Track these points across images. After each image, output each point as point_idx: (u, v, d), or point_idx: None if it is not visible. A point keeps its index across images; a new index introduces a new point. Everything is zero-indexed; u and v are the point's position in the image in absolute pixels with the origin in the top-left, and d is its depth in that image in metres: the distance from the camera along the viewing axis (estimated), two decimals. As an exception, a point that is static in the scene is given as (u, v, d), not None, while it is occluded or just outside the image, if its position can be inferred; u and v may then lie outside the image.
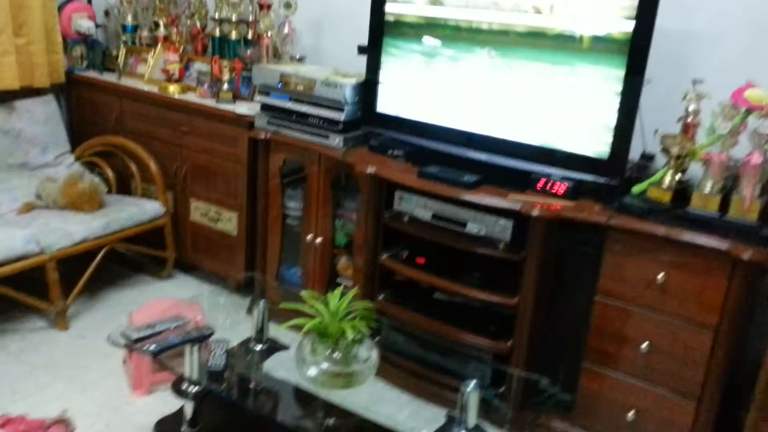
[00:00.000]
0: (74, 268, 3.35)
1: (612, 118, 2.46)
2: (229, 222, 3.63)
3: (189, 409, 2.44)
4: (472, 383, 2.19)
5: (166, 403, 2.65)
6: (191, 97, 3.62)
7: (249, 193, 3.53)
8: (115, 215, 3.47)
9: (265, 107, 3.30)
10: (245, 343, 2.60)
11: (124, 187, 3.91)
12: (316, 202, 3.22)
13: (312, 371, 2.15)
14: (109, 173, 3.89)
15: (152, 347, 2.24)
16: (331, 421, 2.31)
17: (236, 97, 3.56)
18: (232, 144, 3.49)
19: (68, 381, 2.87)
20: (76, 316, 3.38)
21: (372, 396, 2.55)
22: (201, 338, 2.31)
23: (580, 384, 2.58)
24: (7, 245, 3.01)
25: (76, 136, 4.05)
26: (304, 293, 2.21)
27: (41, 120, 3.80)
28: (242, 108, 3.40)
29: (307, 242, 3.29)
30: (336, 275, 3.33)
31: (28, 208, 3.44)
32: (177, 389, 2.41)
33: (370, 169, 2.88)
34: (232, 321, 3.23)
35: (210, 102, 3.53)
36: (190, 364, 2.33)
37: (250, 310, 3.52)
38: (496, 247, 2.65)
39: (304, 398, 2.38)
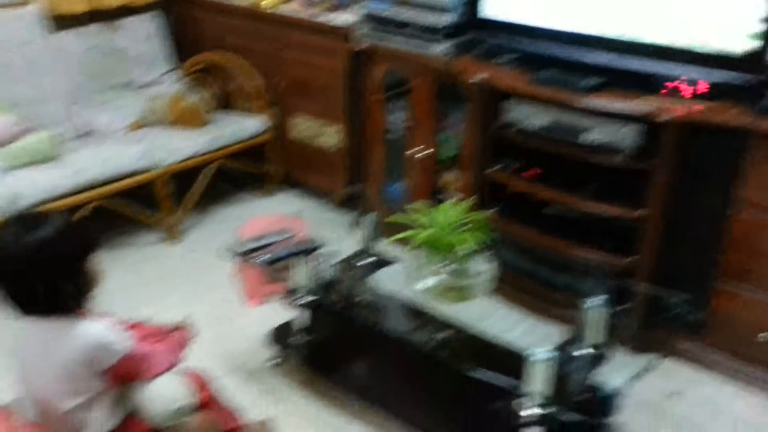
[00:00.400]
0: (182, 185, 3.41)
1: (755, 5, 2.16)
2: (330, 136, 3.57)
3: (300, 320, 2.45)
4: (598, 299, 2.07)
5: (277, 313, 2.68)
6: (289, 10, 3.52)
7: (350, 107, 3.44)
8: (220, 132, 3.49)
9: (365, 16, 3.15)
10: (352, 257, 2.56)
11: (227, 103, 3.91)
12: (419, 115, 3.10)
13: (424, 284, 2.10)
14: (212, 90, 3.89)
15: (262, 259, 2.24)
16: (440, 335, 2.26)
17: (334, 7, 3.43)
18: (331, 56, 3.38)
19: (182, 293, 2.97)
20: (188, 231, 3.47)
21: (483, 312, 2.48)
22: (309, 251, 2.29)
23: (712, 302, 2.40)
24: (120, 161, 3.08)
25: (179, 53, 4.05)
26: (415, 204, 2.13)
27: (144, 38, 3.82)
28: (341, 18, 3.27)
29: (410, 157, 3.19)
30: (440, 190, 3.23)
31: (137, 126, 3.50)
32: (288, 301, 2.42)
33: (478, 77, 2.71)
34: (335, 237, 3.21)
35: (308, 13, 3.42)
36: (300, 275, 2.33)
37: (353, 226, 3.51)
38: (617, 156, 2.45)
39: (412, 312, 2.33)
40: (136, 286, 2.99)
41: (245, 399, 2.35)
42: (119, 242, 3.34)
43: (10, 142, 2.93)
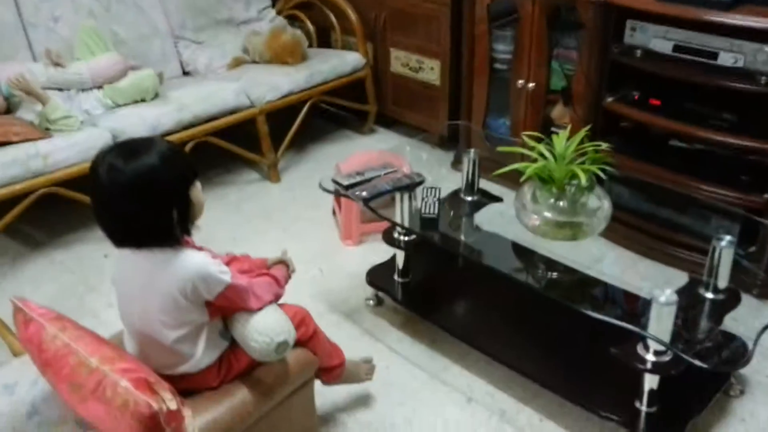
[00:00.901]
0: (281, 124, 3.37)
1: None
2: (431, 71, 3.40)
3: (400, 258, 2.36)
4: (726, 239, 1.86)
5: (376, 252, 2.61)
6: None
7: (453, 38, 3.26)
8: (318, 67, 3.40)
9: (470, -64, 2.94)
10: (454, 195, 2.43)
11: (324, 39, 3.81)
12: (529, 43, 2.87)
13: (533, 219, 1.94)
14: (310, 25, 3.80)
15: (363, 193, 2.15)
16: (550, 275, 2.11)
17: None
18: (434, -15, 3.20)
19: (282, 229, 2.95)
20: (286, 170, 3.44)
21: (596, 252, 2.31)
22: (412, 186, 2.17)
23: None
24: (221, 98, 3.06)
25: (276, -11, 3.98)
26: (524, 135, 1.96)
27: (242, -26, 3.75)
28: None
29: (517, 88, 2.98)
30: (550, 124, 3.02)
31: (237, 62, 3.47)
32: (388, 238, 2.34)
33: (597, -4, 2.45)
34: (436, 175, 3.09)
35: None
36: (401, 211, 2.22)
37: (454, 164, 3.36)
38: (757, 81, 2.17)
39: (519, 251, 2.19)
40: (237, 224, 3.00)
41: (343, 337, 2.30)
42: (219, 180, 3.35)
43: (117, 80, 2.95)
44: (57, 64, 2.88)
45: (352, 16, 3.52)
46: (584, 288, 2.06)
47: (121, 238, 1.47)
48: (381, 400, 2.09)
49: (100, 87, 2.94)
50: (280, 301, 1.76)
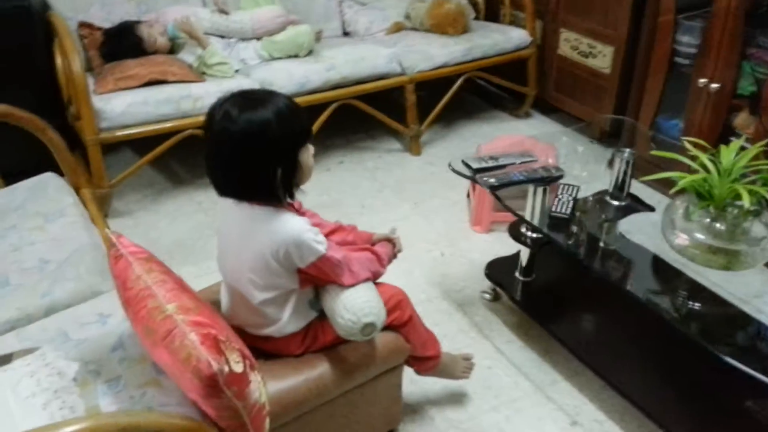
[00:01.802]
0: (432, 95, 3.25)
1: None
2: (602, 57, 3.11)
3: (525, 255, 2.18)
4: None
5: (504, 244, 2.43)
6: None
7: (632, 25, 2.94)
8: (478, 41, 3.22)
9: None
10: (599, 196, 2.19)
11: (493, 12, 3.62)
12: (719, 38, 2.51)
13: (681, 239, 1.68)
14: (479, -4, 3.62)
15: (492, 180, 1.98)
16: (694, 305, 1.83)
17: None
18: (619, -39, 2.90)
19: (413, 204, 2.84)
20: (429, 143, 3.32)
21: (757, 287, 1.98)
22: (548, 179, 1.97)
23: None
24: (371, 62, 2.99)
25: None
26: (686, 140, 1.69)
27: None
28: None
29: (698, 87, 2.63)
30: (730, 133, 2.64)
31: (397, 28, 3.38)
32: (514, 232, 2.16)
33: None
34: (588, 172, 2.82)
35: None
36: (531, 206, 2.03)
37: (611, 163, 3.06)
38: None
39: (662, 271, 1.92)
40: (368, 191, 2.94)
41: (451, 328, 2.19)
42: (359, 144, 3.31)
43: (275, 33, 2.98)
44: (222, 11, 2.96)
45: (526, -11, 3.29)
46: (731, 326, 1.77)
47: (223, 187, 1.44)
48: (475, 402, 1.95)
49: (259, 38, 2.98)
50: (381, 280, 1.67)
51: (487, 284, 2.30)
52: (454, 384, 1.96)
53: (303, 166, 1.46)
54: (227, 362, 1.18)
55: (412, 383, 1.96)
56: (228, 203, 1.48)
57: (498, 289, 2.28)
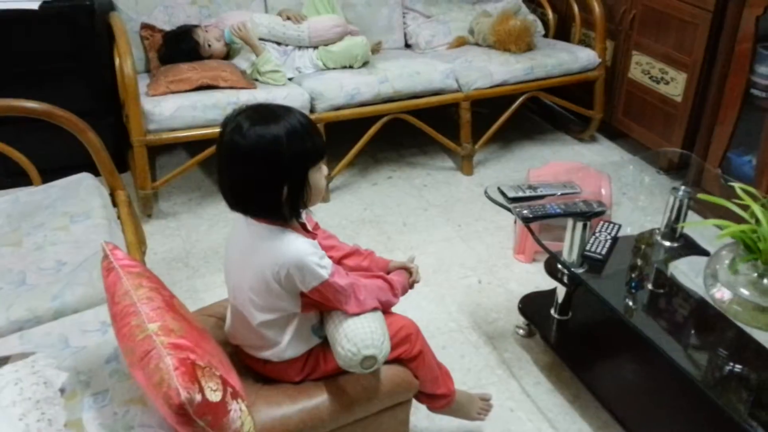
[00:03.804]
0: (495, 112, 3.13)
1: None
2: (674, 84, 2.92)
3: (561, 293, 2.05)
4: None
5: (546, 276, 2.30)
6: None
7: (708, 51, 2.74)
8: (542, 60, 3.09)
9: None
10: (648, 235, 2.03)
11: (564, 30, 3.47)
12: (800, 69, 2.30)
13: (723, 294, 1.52)
14: (550, 13, 3.48)
15: (526, 211, 1.86)
16: (735, 367, 1.64)
17: None
18: (698, -18, 2.71)
19: (457, 227, 2.74)
20: (483, 163, 3.21)
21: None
22: (586, 215, 1.83)
23: None
24: (427, 77, 2.91)
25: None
26: (737, 186, 1.53)
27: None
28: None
29: (773, 123, 2.42)
30: (807, 175, 2.42)
31: (459, 42, 3.29)
32: (549, 268, 2.03)
33: None
34: (647, 205, 2.65)
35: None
36: (570, 242, 1.90)
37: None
38: None
39: (712, 322, 1.75)
40: (413, 209, 2.86)
41: (478, 362, 2.09)
42: (410, 160, 3.23)
43: (330, 43, 2.94)
44: (289, 18, 2.94)
45: (597, 8, 3.13)
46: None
47: (231, 201, 1.40)
48: (492, 446, 1.84)
49: (316, 47, 2.96)
50: (398, 309, 1.59)
51: (522, 319, 2.18)
52: (472, 425, 1.85)
53: (312, 187, 1.39)
54: (201, 390, 1.14)
55: (428, 419, 1.87)
56: (238, 217, 1.44)
57: (531, 326, 2.15)
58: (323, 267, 1.39)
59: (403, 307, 1.68)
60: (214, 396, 1.17)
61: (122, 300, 1.25)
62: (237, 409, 1.24)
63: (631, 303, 1.77)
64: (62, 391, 1.34)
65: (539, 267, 2.49)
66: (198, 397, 1.12)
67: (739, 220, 1.54)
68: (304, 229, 1.48)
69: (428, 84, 2.91)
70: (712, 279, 1.55)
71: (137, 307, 1.22)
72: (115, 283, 1.28)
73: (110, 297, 1.29)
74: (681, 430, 1.75)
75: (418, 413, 1.83)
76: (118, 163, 2.88)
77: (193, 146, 2.85)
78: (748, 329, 1.59)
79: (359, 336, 1.43)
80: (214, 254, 2.54)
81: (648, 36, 3.02)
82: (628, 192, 2.74)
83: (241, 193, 1.38)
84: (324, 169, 1.43)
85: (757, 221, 1.46)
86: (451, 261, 2.52)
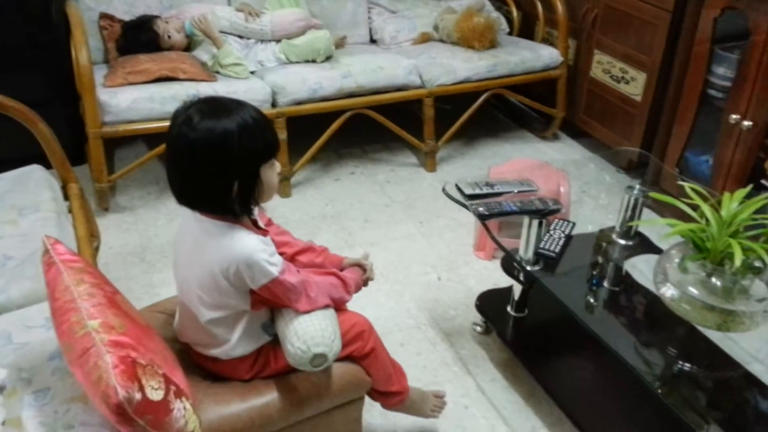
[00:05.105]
0: (459, 109, 3.13)
1: None
2: (634, 84, 2.95)
3: (517, 290, 2.05)
4: None
5: (504, 274, 2.31)
6: None
7: (666, 51, 2.78)
8: (505, 57, 3.10)
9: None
10: (605, 233, 2.05)
11: (528, 28, 3.49)
12: (755, 73, 2.34)
13: (672, 292, 1.54)
14: (515, 11, 3.49)
15: (482, 209, 1.86)
16: (684, 366, 1.66)
17: None
18: (659, -17, 2.74)
19: (418, 223, 2.74)
20: (446, 160, 3.21)
21: (754, 348, 1.81)
22: (541, 213, 1.84)
23: None
24: (390, 73, 2.91)
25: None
26: (686, 186, 1.55)
27: (458, -54, 3.53)
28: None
29: (730, 123, 2.46)
30: (762, 175, 2.46)
31: (424, 38, 3.29)
32: (506, 266, 2.04)
33: None
34: (606, 203, 2.68)
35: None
36: (526, 240, 1.90)
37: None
38: None
39: (659, 318, 1.77)
40: (374, 205, 2.85)
41: (434, 359, 2.09)
42: (373, 156, 3.22)
43: (293, 37, 2.92)
44: (250, 14, 2.90)
45: (559, 7, 3.15)
46: (724, 392, 1.62)
47: (178, 196, 1.38)
48: (446, 443, 1.84)
49: (278, 41, 2.93)
50: (353, 306, 1.58)
51: (480, 316, 2.18)
52: (426, 422, 1.85)
53: (264, 183, 1.37)
54: (141, 389, 1.11)
55: (381, 416, 1.86)
56: (187, 213, 1.42)
57: (487, 323, 2.15)
58: (273, 264, 1.37)
59: (361, 303, 1.67)
60: (155, 395, 1.15)
61: (62, 296, 1.22)
62: (180, 408, 1.22)
63: (583, 301, 1.78)
64: (1, 388, 1.31)
65: (498, 264, 2.50)
66: (137, 396, 1.10)
67: (694, 219, 1.55)
68: (255, 226, 1.46)
69: (391, 80, 2.90)
70: (662, 277, 1.56)
71: (77, 303, 1.19)
72: (55, 279, 1.25)
73: (51, 293, 1.26)
74: (632, 428, 1.77)
75: (372, 410, 1.82)
76: (78, 155, 2.84)
77: (153, 139, 2.81)
78: (699, 328, 1.61)
79: (309, 333, 1.41)
80: (171, 248, 2.49)
81: (609, 35, 3.05)
82: (589, 190, 2.77)
83: (190, 188, 1.36)
84: (277, 165, 1.41)
85: (707, 221, 1.47)
86: (411, 258, 2.52)
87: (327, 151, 3.07)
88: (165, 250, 2.49)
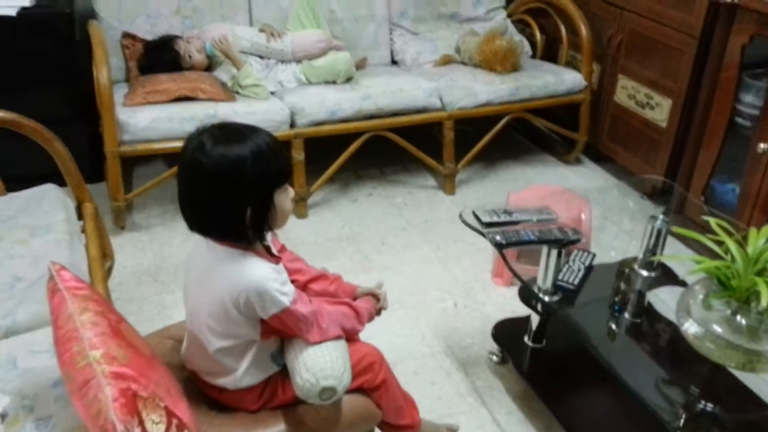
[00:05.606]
0: (480, 132, 3.09)
1: None
2: (660, 110, 2.89)
3: (535, 320, 2.00)
4: None
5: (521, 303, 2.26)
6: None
7: (693, 78, 2.72)
8: (527, 81, 3.06)
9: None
10: (627, 263, 1.99)
11: (552, 52, 3.45)
12: (784, 99, 2.28)
13: (694, 328, 1.47)
14: (538, 35, 3.45)
15: (499, 237, 1.82)
16: (707, 406, 1.59)
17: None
18: (685, 8, 2.69)
19: (436, 247, 2.70)
20: (465, 183, 3.17)
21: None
22: (560, 242, 1.79)
23: None
24: (410, 95, 2.88)
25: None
26: (711, 220, 1.49)
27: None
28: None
29: (757, 153, 2.39)
30: (789, 206, 2.39)
31: (445, 60, 3.26)
32: (523, 295, 1.99)
33: None
34: (629, 230, 2.62)
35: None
36: (544, 269, 1.86)
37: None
38: None
39: (682, 354, 1.70)
40: (391, 228, 2.81)
41: (449, 389, 2.04)
42: (392, 178, 3.19)
43: (314, 58, 2.91)
44: (272, 34, 2.90)
45: (584, 31, 3.11)
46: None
47: (190, 222, 1.35)
48: (458, 479, 1.78)
49: (299, 61, 2.92)
50: (365, 337, 1.54)
51: (496, 345, 2.13)
52: (437, 455, 1.80)
53: (278, 209, 1.34)
54: (141, 423, 1.08)
55: (393, 447, 1.81)
56: (199, 238, 1.39)
57: (504, 353, 2.10)
58: (284, 294, 1.34)
59: (375, 329, 1.63)
60: (156, 429, 1.12)
61: (65, 324, 1.20)
62: (184, 442, 1.19)
63: (603, 334, 1.72)
64: (3, 416, 1.29)
65: (517, 291, 2.45)
66: (137, 431, 1.07)
67: (719, 254, 1.50)
68: (268, 252, 1.43)
69: (411, 102, 2.87)
70: (685, 314, 1.50)
71: (80, 332, 1.17)
72: (59, 306, 1.23)
73: (54, 320, 1.24)
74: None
75: (383, 443, 1.77)
76: (98, 173, 2.85)
77: (172, 157, 2.80)
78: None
79: (319, 365, 1.37)
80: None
81: (634, 60, 3.00)
82: (611, 216, 2.70)
83: (202, 214, 1.33)
84: (290, 191, 1.38)
85: (732, 258, 1.41)
86: (427, 283, 2.47)
87: (345, 171, 3.04)
88: (179, 271, 2.47)
